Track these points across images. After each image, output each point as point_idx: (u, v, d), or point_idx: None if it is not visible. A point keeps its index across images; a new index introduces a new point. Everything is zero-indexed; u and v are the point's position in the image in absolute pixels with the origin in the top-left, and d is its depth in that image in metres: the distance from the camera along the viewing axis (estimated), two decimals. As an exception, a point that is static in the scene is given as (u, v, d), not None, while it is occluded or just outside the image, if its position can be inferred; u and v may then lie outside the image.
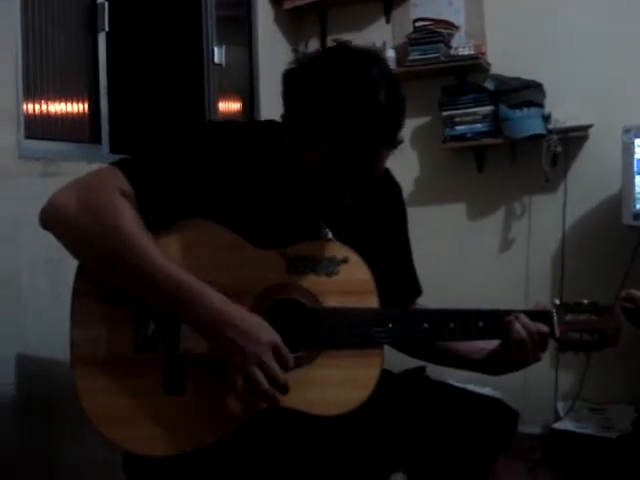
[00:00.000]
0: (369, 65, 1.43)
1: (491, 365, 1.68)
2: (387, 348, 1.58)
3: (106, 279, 1.41)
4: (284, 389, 1.37)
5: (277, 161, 1.54)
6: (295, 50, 4.09)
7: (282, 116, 1.51)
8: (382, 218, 1.72)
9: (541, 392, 3.67)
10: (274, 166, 1.55)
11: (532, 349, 1.59)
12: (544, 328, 1.60)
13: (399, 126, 1.46)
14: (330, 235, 1.60)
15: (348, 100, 1.38)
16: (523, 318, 1.59)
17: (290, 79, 1.49)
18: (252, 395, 1.37)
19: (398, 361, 1.82)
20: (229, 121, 1.62)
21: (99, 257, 1.40)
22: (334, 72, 1.41)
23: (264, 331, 1.38)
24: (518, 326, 1.58)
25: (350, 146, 1.40)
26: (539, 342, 1.60)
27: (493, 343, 1.65)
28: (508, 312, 1.61)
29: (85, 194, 1.40)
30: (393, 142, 1.46)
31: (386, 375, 1.58)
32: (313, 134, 1.43)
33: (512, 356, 1.61)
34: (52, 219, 1.42)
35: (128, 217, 1.38)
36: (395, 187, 1.78)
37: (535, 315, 1.62)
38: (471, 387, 2.90)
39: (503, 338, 1.61)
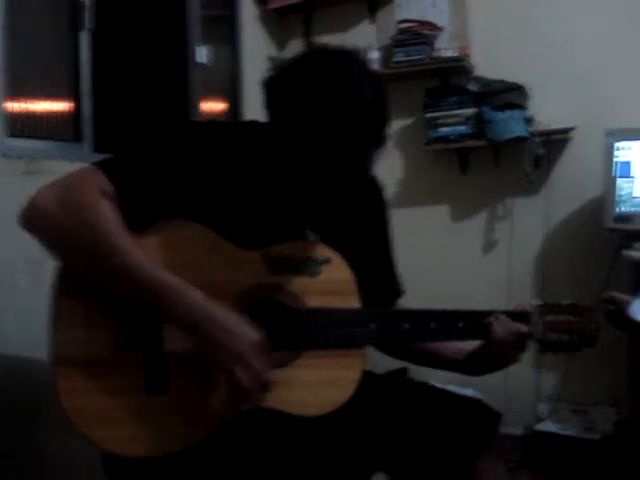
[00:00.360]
0: (350, 66, 1.42)
1: (471, 365, 1.69)
2: (369, 349, 1.59)
3: (87, 279, 1.40)
4: (267, 387, 1.36)
5: (260, 162, 1.54)
6: (271, 58, 4.07)
7: (266, 123, 1.50)
8: (365, 219, 1.72)
9: (523, 393, 3.69)
10: (257, 167, 1.54)
11: (512, 350, 1.61)
12: (524, 329, 1.61)
13: (385, 124, 1.45)
14: (313, 236, 1.60)
15: (332, 104, 1.37)
16: (503, 319, 1.61)
17: (270, 88, 1.48)
18: (235, 394, 1.36)
19: (381, 362, 1.82)
20: (212, 121, 1.61)
21: (80, 257, 1.39)
22: (314, 78, 1.40)
23: (247, 329, 1.37)
24: (498, 327, 1.59)
25: (338, 149, 1.39)
26: (518, 343, 1.61)
27: (472, 344, 1.66)
28: (488, 313, 1.62)
29: (66, 194, 1.39)
30: (380, 140, 1.46)
31: (369, 376, 1.59)
32: (300, 143, 1.42)
33: (492, 356, 1.62)
34: (32, 220, 1.40)
35: (109, 217, 1.37)
36: (378, 189, 1.78)
37: (515, 316, 1.64)
38: (453, 388, 2.90)
39: (483, 339, 1.62)
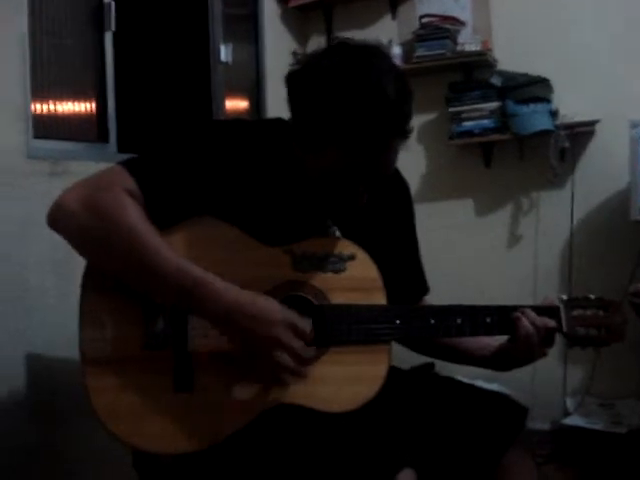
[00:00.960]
0: (372, 60, 1.42)
1: (498, 361, 1.68)
2: (395, 345, 1.59)
3: (116, 276, 1.41)
4: (308, 363, 1.40)
5: (284, 159, 1.54)
6: (294, 52, 4.08)
7: (289, 120, 1.51)
8: (390, 216, 1.72)
9: (550, 388, 3.67)
10: (281, 164, 1.55)
11: (539, 344, 1.59)
12: (551, 323, 1.60)
13: (409, 117, 1.45)
14: (337, 233, 1.60)
15: (356, 98, 1.37)
16: (530, 313, 1.60)
17: (294, 82, 1.49)
18: (278, 378, 1.39)
19: (406, 358, 1.82)
20: (236, 119, 1.62)
21: (108, 256, 1.40)
22: (338, 71, 1.40)
23: (277, 311, 1.39)
24: (525, 321, 1.58)
25: (362, 143, 1.40)
26: (546, 337, 1.60)
27: (499, 339, 1.65)
28: (515, 307, 1.61)
29: (92, 194, 1.40)
30: (405, 133, 1.46)
31: (395, 372, 1.59)
32: (323, 137, 1.42)
33: (519, 351, 1.61)
34: (59, 219, 1.42)
35: (136, 215, 1.38)
36: (403, 185, 1.78)
37: (542, 310, 1.62)
38: (479, 383, 2.89)
39: (510, 334, 1.61)
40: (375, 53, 1.45)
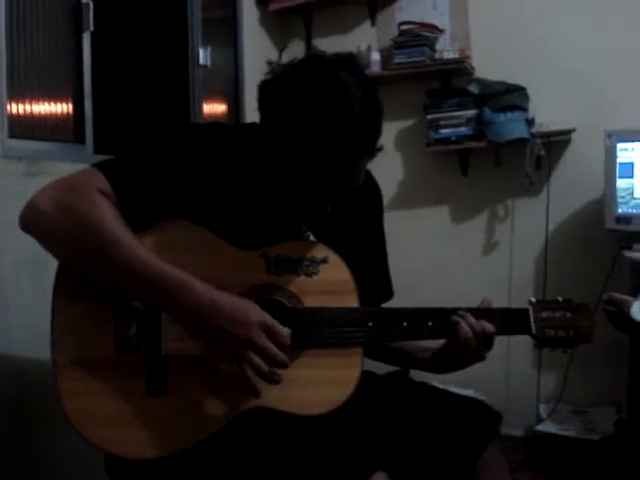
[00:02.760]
0: (341, 76, 1.41)
1: (437, 363, 1.69)
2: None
3: (89, 277, 1.40)
4: (284, 365, 1.38)
5: (258, 164, 1.54)
6: (269, 61, 4.06)
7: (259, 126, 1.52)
8: (360, 219, 1.73)
9: (523, 394, 3.69)
10: (255, 169, 1.55)
11: (477, 348, 1.60)
12: (490, 328, 1.60)
13: (376, 137, 1.46)
14: (312, 237, 1.61)
15: (321, 116, 1.38)
16: (469, 317, 1.60)
17: (264, 93, 1.50)
18: (250, 383, 1.39)
19: (380, 363, 1.83)
20: (213, 123, 1.61)
21: (81, 256, 1.39)
22: (306, 88, 1.41)
23: (252, 312, 1.38)
24: (464, 325, 1.58)
25: (327, 160, 1.41)
26: (484, 341, 1.60)
27: (438, 342, 1.67)
28: (454, 310, 1.61)
29: (65, 195, 1.39)
30: (371, 152, 1.47)
31: (369, 376, 1.59)
32: (291, 152, 1.43)
33: (458, 355, 1.61)
34: (31, 220, 1.40)
35: (109, 216, 1.37)
36: (375, 189, 1.79)
37: (480, 313, 1.63)
38: (454, 389, 2.91)
39: (450, 337, 1.61)
40: (348, 67, 1.44)
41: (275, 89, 1.47)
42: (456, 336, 1.58)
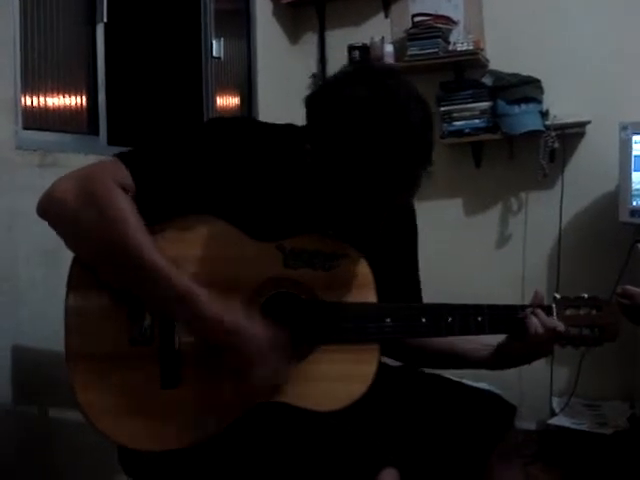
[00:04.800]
0: (396, 86, 1.37)
1: (498, 360, 1.67)
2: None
3: (100, 270, 1.40)
4: (284, 382, 1.39)
5: (290, 163, 1.51)
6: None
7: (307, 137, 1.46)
8: (393, 232, 1.68)
9: (536, 388, 3.68)
10: (285, 167, 1.52)
11: (546, 344, 1.60)
12: (561, 327, 1.59)
13: (432, 146, 1.41)
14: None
15: (380, 128, 1.32)
16: (541, 314, 1.59)
17: (315, 107, 1.44)
18: (251, 391, 1.38)
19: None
20: (244, 118, 1.59)
21: (93, 248, 1.38)
22: (361, 98, 1.34)
23: (257, 329, 1.37)
24: (536, 321, 1.58)
25: (386, 175, 1.35)
26: (555, 338, 1.60)
27: (494, 338, 1.65)
28: (522, 307, 1.61)
29: (83, 185, 1.38)
30: (430, 161, 1.42)
31: (383, 368, 1.58)
32: (346, 167, 1.36)
33: (526, 351, 1.61)
34: (49, 208, 1.40)
35: (126, 210, 1.35)
36: (411, 209, 1.77)
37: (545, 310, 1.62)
38: (466, 382, 2.90)
39: (519, 333, 1.60)
40: (397, 78, 1.41)
41: (326, 100, 1.41)
42: (527, 332, 1.57)
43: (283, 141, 1.54)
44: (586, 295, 1.68)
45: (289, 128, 1.58)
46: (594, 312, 1.66)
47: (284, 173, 1.52)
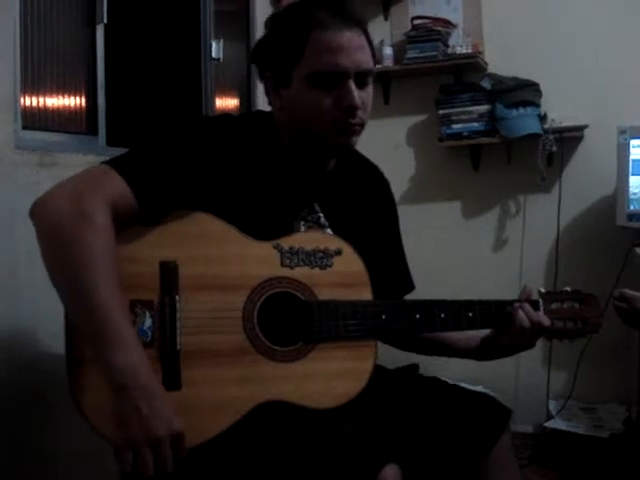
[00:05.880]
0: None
1: (484, 351, 1.72)
2: (380, 345, 1.59)
3: (55, 287, 1.36)
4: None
5: (270, 148, 1.57)
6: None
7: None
8: (373, 214, 1.74)
9: (533, 391, 3.69)
10: (267, 154, 1.57)
11: (530, 337, 1.64)
12: (546, 321, 1.63)
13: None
14: (323, 219, 1.63)
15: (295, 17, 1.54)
16: (527, 308, 1.63)
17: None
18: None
19: (391, 359, 1.83)
20: (222, 114, 1.62)
21: (56, 266, 1.35)
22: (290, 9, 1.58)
23: (173, 415, 1.31)
24: (522, 316, 1.61)
25: (321, 38, 1.48)
26: (538, 331, 1.64)
27: (483, 331, 1.69)
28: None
29: (71, 202, 1.35)
30: (351, 18, 1.53)
31: (380, 371, 1.59)
32: (286, 61, 1.52)
33: (509, 343, 1.65)
34: (39, 214, 1.38)
35: (100, 243, 1.33)
36: (384, 183, 1.81)
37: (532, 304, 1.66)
38: (463, 385, 2.90)
39: (504, 326, 1.64)
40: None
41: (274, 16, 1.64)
42: (512, 324, 1.62)
43: (261, 129, 1.59)
44: (569, 289, 1.72)
45: (260, 115, 1.65)
46: (577, 305, 1.70)
47: (268, 161, 1.57)
